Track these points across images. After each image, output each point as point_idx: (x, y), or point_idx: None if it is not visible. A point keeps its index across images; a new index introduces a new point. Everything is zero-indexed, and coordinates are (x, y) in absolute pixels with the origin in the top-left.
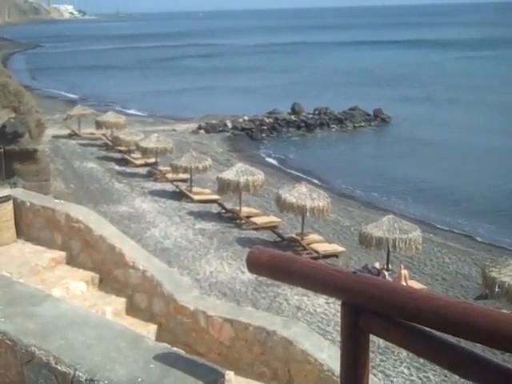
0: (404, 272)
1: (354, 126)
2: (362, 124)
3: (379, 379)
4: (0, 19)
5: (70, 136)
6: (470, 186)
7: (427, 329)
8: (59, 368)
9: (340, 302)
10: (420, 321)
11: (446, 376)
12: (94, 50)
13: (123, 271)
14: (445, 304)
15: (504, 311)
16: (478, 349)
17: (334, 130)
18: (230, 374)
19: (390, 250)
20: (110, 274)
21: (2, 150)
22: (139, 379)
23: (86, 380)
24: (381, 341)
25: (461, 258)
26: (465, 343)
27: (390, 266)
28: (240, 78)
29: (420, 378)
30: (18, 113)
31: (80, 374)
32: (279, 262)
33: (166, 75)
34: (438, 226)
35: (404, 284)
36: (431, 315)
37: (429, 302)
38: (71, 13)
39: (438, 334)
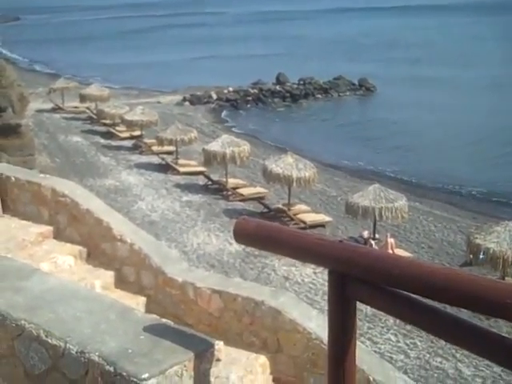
0: (390, 240)
1: (339, 96)
2: (347, 93)
3: (367, 346)
4: None
5: (53, 110)
6: (455, 152)
7: (412, 295)
8: (49, 341)
9: (327, 271)
10: (404, 287)
11: (432, 342)
12: (75, 22)
13: (111, 245)
14: (428, 270)
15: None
16: (464, 314)
17: (319, 99)
18: (219, 344)
19: (377, 219)
20: (98, 247)
21: None
22: (129, 350)
23: (76, 352)
24: (368, 309)
25: (446, 226)
26: (450, 309)
27: (376, 234)
28: (223, 48)
29: (407, 345)
30: None
31: (71, 346)
32: (265, 231)
33: (149, 46)
34: (424, 194)
35: (391, 252)
36: (415, 281)
37: (413, 269)
38: None
39: (423, 299)
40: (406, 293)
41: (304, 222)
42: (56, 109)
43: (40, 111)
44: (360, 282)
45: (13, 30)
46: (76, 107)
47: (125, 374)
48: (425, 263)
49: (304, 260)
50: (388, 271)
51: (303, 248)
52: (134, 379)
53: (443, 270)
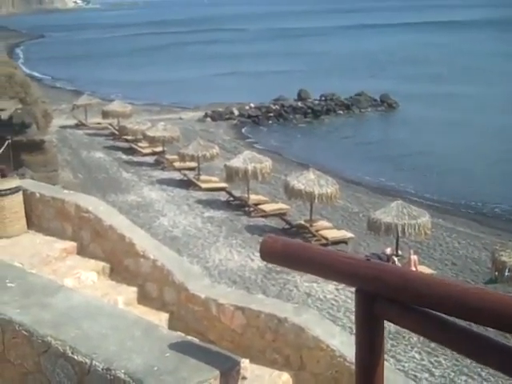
0: (414, 257)
1: (361, 112)
2: (369, 109)
3: (391, 364)
4: (4, 10)
5: (76, 126)
6: (478, 169)
7: (442, 315)
8: (76, 358)
9: (353, 290)
10: (434, 307)
11: (457, 360)
12: (98, 39)
13: (134, 260)
14: (458, 290)
15: None
16: (491, 334)
17: (340, 115)
18: (245, 362)
19: (400, 235)
20: (121, 263)
21: (10, 140)
22: (155, 368)
23: (102, 369)
24: (391, 326)
25: (470, 243)
26: (480, 329)
27: (399, 251)
28: (245, 64)
29: (431, 363)
30: (24, 104)
31: (97, 363)
32: (292, 250)
33: (172, 62)
34: (447, 210)
35: (414, 269)
36: (445, 301)
37: (442, 288)
38: (75, 2)
39: (453, 319)
40: (435, 313)
41: (326, 239)
42: (79, 125)
43: (63, 127)
44: (388, 301)
45: (37, 48)
46: (99, 123)
47: None
48: (455, 282)
49: (331, 278)
50: (417, 290)
51: (330, 266)
52: None
53: (474, 290)
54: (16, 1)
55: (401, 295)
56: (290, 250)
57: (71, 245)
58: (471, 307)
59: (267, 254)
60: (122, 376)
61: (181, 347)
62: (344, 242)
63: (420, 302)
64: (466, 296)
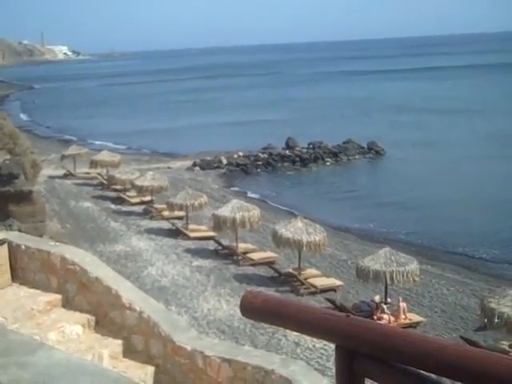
0: (403, 305)
1: (349, 159)
2: (357, 157)
3: None
4: None
5: (65, 176)
6: (466, 215)
7: (422, 372)
8: None
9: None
10: (414, 364)
11: None
12: (88, 89)
13: (120, 313)
14: (438, 347)
15: (504, 347)
16: None
17: (328, 163)
18: None
19: (388, 282)
20: (107, 315)
21: None
22: None
23: None
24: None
25: (459, 289)
26: None
27: (388, 299)
28: (234, 112)
29: None
30: (13, 154)
31: None
32: (272, 306)
33: (161, 111)
34: (435, 256)
35: (403, 317)
36: (425, 358)
37: (422, 345)
38: (65, 53)
39: (435, 376)
40: (415, 369)
41: (315, 287)
42: (68, 175)
43: (52, 177)
44: (368, 358)
45: (26, 98)
46: (87, 173)
47: None
48: (434, 340)
49: (311, 335)
50: (397, 348)
51: (310, 324)
52: None
53: (453, 347)
54: (6, 53)
55: (380, 352)
56: (270, 306)
57: (56, 297)
58: (450, 365)
59: (247, 309)
60: None
61: None
62: (333, 289)
63: (400, 359)
64: (445, 353)
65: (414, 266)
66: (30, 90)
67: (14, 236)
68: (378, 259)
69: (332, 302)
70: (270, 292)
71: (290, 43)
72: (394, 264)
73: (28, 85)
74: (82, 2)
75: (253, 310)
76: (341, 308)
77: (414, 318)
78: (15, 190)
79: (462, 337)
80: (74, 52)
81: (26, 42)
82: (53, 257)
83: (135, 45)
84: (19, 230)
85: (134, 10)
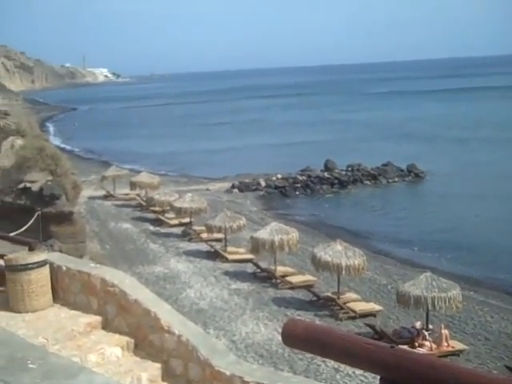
0: (445, 332)
1: (388, 182)
2: (396, 180)
3: None
4: (38, 84)
5: (105, 197)
6: (508, 240)
7: None
8: None
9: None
10: None
11: None
12: (129, 111)
13: (159, 336)
14: (486, 382)
15: None
16: None
17: (367, 186)
18: None
19: (430, 308)
20: (146, 338)
21: (40, 212)
22: None
23: None
24: None
25: (503, 317)
26: None
27: (429, 325)
28: (273, 134)
29: None
30: (54, 175)
31: None
32: (314, 335)
33: (198, 133)
34: (478, 282)
35: (445, 344)
36: None
37: (470, 379)
38: (106, 76)
39: None
40: None
41: (354, 311)
42: (107, 196)
43: (92, 198)
44: None
45: (68, 120)
46: (126, 194)
47: None
48: (483, 374)
49: (353, 366)
50: (443, 380)
51: (353, 354)
52: None
53: (503, 381)
54: (50, 76)
55: None
56: (312, 334)
57: (96, 319)
58: None
59: (288, 338)
60: None
61: None
62: (372, 314)
63: None
64: None
65: (456, 291)
66: (72, 112)
67: (55, 257)
68: (419, 284)
69: (372, 327)
70: (311, 320)
71: (324, 65)
72: (436, 289)
73: (70, 107)
74: (123, 26)
75: (294, 338)
76: (381, 334)
77: (457, 345)
78: (56, 210)
79: (506, 366)
80: (114, 74)
81: (68, 64)
82: (93, 278)
83: (174, 67)
84: (60, 251)
85: (173, 34)
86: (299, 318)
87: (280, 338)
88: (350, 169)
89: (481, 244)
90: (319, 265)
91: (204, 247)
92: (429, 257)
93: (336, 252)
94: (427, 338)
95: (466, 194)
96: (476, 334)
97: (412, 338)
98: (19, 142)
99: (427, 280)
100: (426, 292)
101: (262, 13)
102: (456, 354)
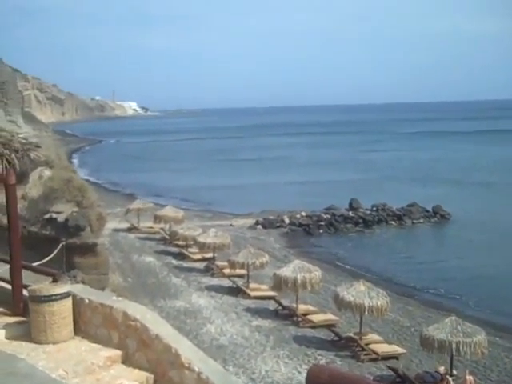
0: (469, 378)
1: (413, 223)
2: (421, 220)
3: None
4: (68, 116)
5: (129, 229)
6: None
7: None
8: None
9: None
10: None
11: None
12: (155, 145)
13: (178, 372)
14: None
15: None
16: None
17: (392, 226)
18: None
19: (454, 353)
20: (165, 374)
21: (64, 243)
22: None
23: None
24: None
25: None
26: None
27: (454, 370)
28: (298, 172)
29: None
30: (80, 207)
31: None
32: (338, 381)
33: (224, 168)
34: (504, 328)
35: None
36: None
37: None
38: (134, 109)
39: None
40: None
41: (376, 353)
42: (131, 229)
43: (116, 230)
44: None
45: (96, 152)
46: (150, 227)
47: None
48: None
49: None
50: None
51: None
52: None
53: None
54: (79, 108)
55: None
56: (336, 381)
57: (116, 353)
58: None
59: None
60: None
61: None
62: (395, 357)
63: None
64: None
65: (481, 337)
66: (100, 144)
67: (78, 289)
68: (444, 328)
69: (394, 370)
70: (332, 361)
71: (353, 104)
72: (461, 334)
73: (98, 139)
74: (153, 61)
75: None
76: (404, 377)
77: None
78: (81, 241)
79: None
80: (142, 108)
81: (98, 97)
82: (115, 312)
83: (202, 103)
84: (82, 282)
85: (201, 71)
86: (323, 363)
87: (300, 377)
88: (374, 208)
89: (507, 290)
90: (341, 304)
91: (226, 283)
92: (453, 300)
93: (359, 292)
94: (451, 383)
95: (492, 238)
96: (501, 382)
97: (435, 382)
98: (47, 172)
99: (452, 324)
100: (450, 336)
101: (301, 51)
102: None
